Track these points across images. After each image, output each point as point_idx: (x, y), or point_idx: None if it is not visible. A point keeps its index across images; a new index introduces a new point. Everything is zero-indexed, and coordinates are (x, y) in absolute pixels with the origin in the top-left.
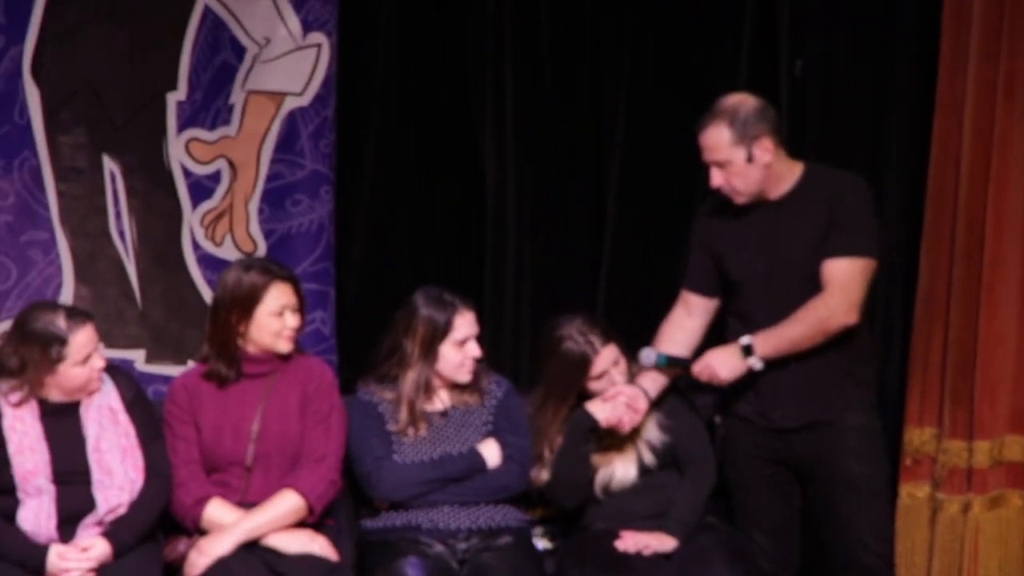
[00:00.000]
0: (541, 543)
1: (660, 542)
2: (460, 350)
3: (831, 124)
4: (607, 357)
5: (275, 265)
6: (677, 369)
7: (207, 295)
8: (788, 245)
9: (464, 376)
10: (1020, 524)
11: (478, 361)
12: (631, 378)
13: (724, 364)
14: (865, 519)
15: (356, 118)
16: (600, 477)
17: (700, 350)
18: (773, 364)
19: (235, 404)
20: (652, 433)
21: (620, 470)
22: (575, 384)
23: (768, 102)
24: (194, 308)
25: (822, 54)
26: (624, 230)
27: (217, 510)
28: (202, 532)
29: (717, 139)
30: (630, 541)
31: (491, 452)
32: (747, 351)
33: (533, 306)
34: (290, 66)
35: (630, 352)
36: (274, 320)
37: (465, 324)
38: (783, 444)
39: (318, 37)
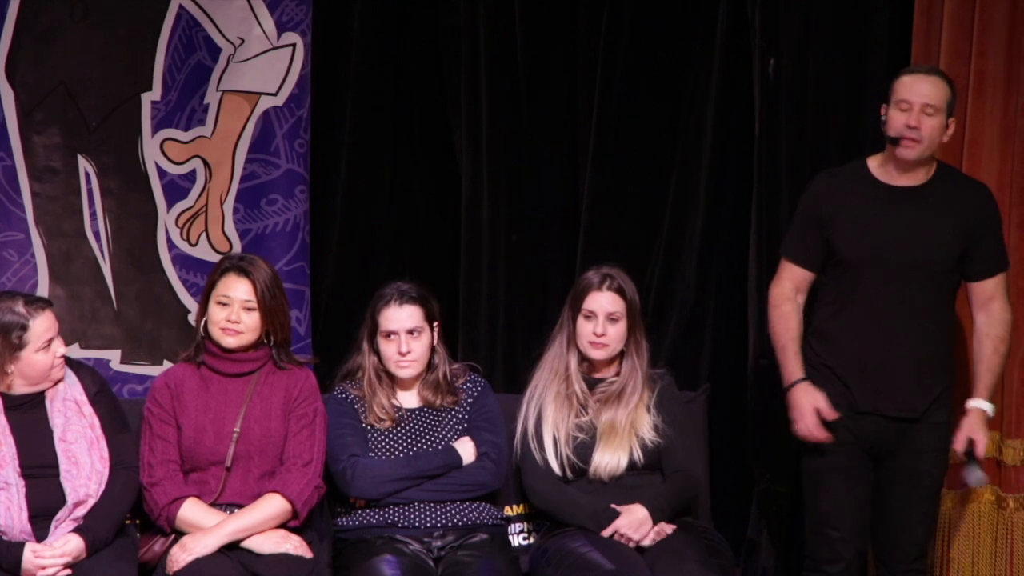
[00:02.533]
0: (517, 540)
1: (629, 512)
2: (389, 343)
3: (804, 123)
4: (602, 301)
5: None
6: None
7: (183, 295)
8: (923, 236)
9: (398, 371)
10: (991, 519)
11: (466, 364)
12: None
13: (984, 433)
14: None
15: (331, 118)
16: (593, 460)
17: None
18: (889, 355)
19: (218, 404)
20: (646, 432)
21: (612, 458)
22: (572, 308)
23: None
24: (170, 308)
25: (795, 53)
26: (599, 227)
27: (192, 510)
28: (176, 532)
29: (942, 91)
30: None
31: (466, 449)
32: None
33: (508, 304)
34: (265, 66)
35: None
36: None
37: (389, 317)
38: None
39: (292, 37)
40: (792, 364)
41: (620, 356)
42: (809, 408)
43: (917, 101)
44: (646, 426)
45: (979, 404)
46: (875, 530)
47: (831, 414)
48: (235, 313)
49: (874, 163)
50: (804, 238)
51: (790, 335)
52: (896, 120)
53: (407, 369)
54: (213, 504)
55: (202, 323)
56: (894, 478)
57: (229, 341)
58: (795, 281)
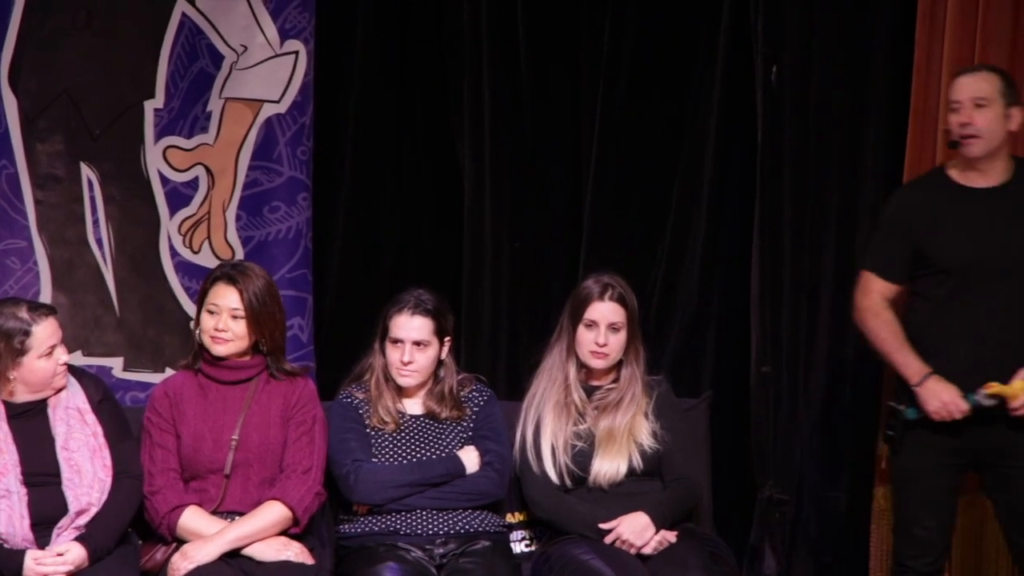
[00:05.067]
0: (519, 547)
1: (631, 520)
2: (395, 349)
3: (807, 130)
4: (604, 311)
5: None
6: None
7: (185, 302)
8: (1015, 236)
9: (398, 378)
10: (993, 526)
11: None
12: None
13: None
14: None
15: (334, 125)
16: (593, 468)
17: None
18: (994, 356)
19: (216, 412)
20: (645, 438)
21: (611, 465)
22: (573, 317)
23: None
24: (172, 315)
25: (798, 61)
26: (601, 234)
27: (193, 518)
28: (177, 540)
29: (989, 82)
30: (613, 535)
31: (470, 458)
32: None
33: (510, 311)
34: (267, 73)
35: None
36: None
37: (398, 324)
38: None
39: (295, 44)
40: (915, 361)
41: (618, 364)
42: (949, 395)
43: (965, 97)
44: (644, 432)
45: None
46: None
47: (963, 406)
48: (223, 321)
49: (953, 170)
50: (890, 250)
51: (901, 337)
52: (952, 123)
53: (407, 378)
54: (214, 512)
55: (197, 331)
56: (1006, 484)
57: (218, 349)
58: (883, 293)
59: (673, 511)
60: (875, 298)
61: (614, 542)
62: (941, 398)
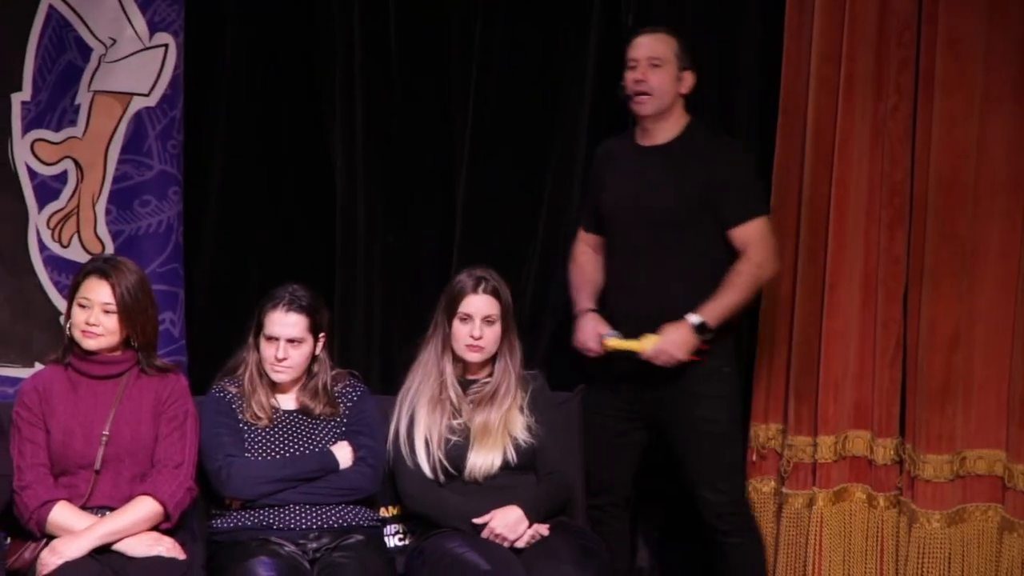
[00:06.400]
0: (392, 541)
1: (504, 513)
2: (269, 345)
3: None
4: (479, 304)
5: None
6: (623, 352)
7: (54, 297)
8: (659, 188)
9: (272, 374)
10: (863, 517)
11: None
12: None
13: (681, 346)
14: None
15: (204, 118)
16: (468, 461)
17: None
18: (636, 302)
19: (87, 407)
20: (520, 433)
21: (486, 459)
22: (448, 311)
23: None
24: (41, 310)
25: None
26: (475, 229)
27: (63, 514)
28: (47, 536)
29: (667, 44)
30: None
31: (343, 453)
32: (701, 329)
33: (384, 305)
34: (137, 66)
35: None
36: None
37: (273, 320)
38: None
39: (164, 37)
40: (583, 299)
41: (493, 358)
42: (592, 330)
43: (642, 56)
44: (519, 426)
45: (689, 316)
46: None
47: (608, 341)
48: (94, 316)
49: (637, 128)
50: (587, 203)
51: (581, 278)
52: (628, 79)
53: (280, 375)
54: (83, 507)
55: (68, 325)
56: (678, 429)
57: (89, 344)
58: (586, 242)
59: (546, 504)
60: (578, 247)
61: (488, 536)
62: (580, 335)
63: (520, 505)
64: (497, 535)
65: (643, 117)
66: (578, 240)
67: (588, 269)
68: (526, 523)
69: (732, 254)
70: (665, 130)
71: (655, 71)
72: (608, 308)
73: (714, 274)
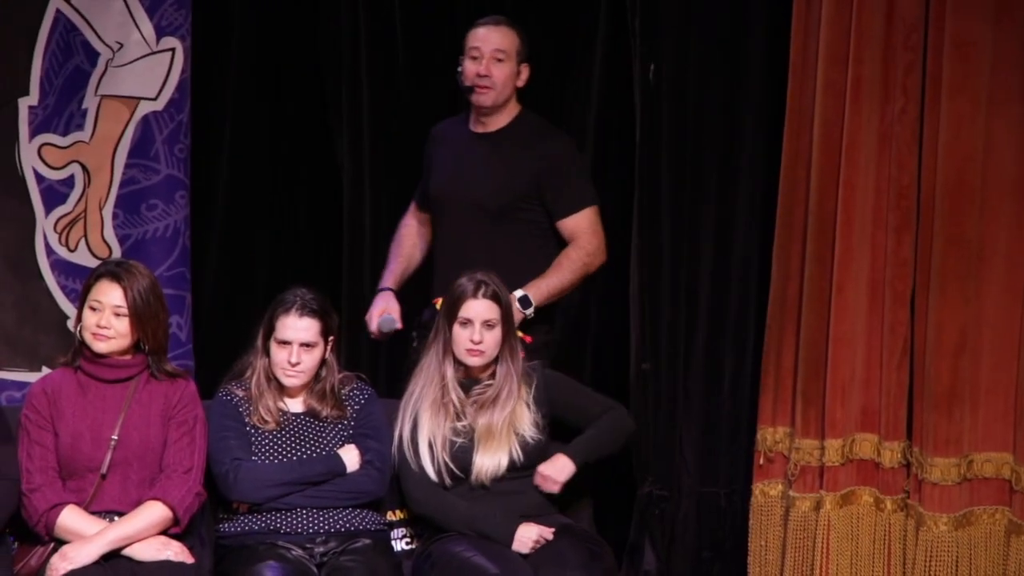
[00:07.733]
0: (399, 545)
1: (558, 466)
2: (281, 350)
3: (685, 128)
4: (479, 308)
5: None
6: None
7: (62, 301)
8: (481, 177)
9: (284, 379)
10: (870, 521)
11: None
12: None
13: (560, 472)
14: None
15: (211, 123)
16: (474, 464)
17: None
18: None
19: (96, 410)
20: (527, 429)
21: (492, 460)
22: (448, 316)
23: None
24: (48, 314)
25: (675, 59)
26: None
27: (71, 517)
28: (55, 539)
29: (510, 39)
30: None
31: (351, 456)
32: (524, 302)
33: None
34: (144, 71)
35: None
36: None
37: (286, 325)
38: None
39: (172, 42)
40: (389, 276)
41: (495, 360)
42: (378, 310)
43: (487, 49)
44: (526, 423)
45: (517, 292)
46: None
47: (390, 325)
48: (105, 318)
49: (472, 114)
50: (422, 184)
51: (400, 252)
52: (469, 69)
53: (293, 379)
54: (88, 510)
55: (78, 328)
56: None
57: (100, 346)
58: (418, 218)
59: (595, 447)
60: (406, 219)
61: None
62: (375, 306)
63: (565, 453)
64: (545, 476)
65: (479, 107)
66: (408, 213)
67: (405, 245)
68: (572, 467)
69: (555, 244)
70: (497, 120)
71: (498, 65)
72: (441, 284)
73: (536, 262)
